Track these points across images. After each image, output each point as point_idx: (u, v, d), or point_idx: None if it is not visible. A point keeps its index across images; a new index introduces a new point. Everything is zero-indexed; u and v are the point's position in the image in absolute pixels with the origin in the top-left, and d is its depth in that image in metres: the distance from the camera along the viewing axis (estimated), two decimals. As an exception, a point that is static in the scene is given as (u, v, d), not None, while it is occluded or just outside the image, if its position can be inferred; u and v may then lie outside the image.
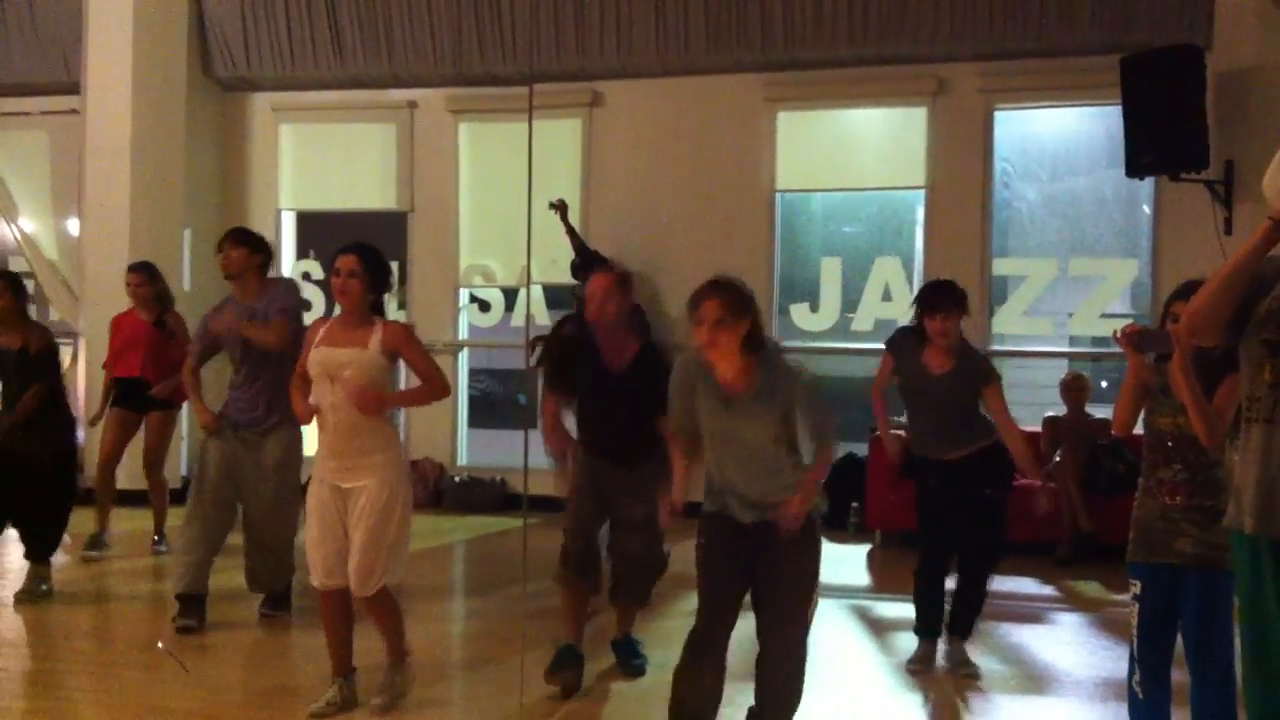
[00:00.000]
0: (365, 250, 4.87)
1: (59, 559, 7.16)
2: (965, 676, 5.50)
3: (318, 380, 4.77)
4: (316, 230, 11.73)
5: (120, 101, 10.40)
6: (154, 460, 8.16)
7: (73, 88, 10.83)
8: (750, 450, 4.08)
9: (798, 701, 4.23)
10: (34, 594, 6.71)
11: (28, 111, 11.68)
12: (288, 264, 11.33)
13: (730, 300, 3.99)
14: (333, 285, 4.83)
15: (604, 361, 5.26)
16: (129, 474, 8.52)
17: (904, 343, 5.66)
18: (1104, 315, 9.48)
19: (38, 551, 6.82)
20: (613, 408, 5.22)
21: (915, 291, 9.71)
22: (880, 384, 5.86)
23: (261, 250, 6.35)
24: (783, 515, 4.04)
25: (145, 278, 8.09)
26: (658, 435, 4.97)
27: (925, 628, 5.69)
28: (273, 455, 6.14)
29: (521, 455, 5.58)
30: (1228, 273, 3.36)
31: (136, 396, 8.02)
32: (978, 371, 5.53)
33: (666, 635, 5.82)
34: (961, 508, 5.49)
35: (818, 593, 4.24)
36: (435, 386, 4.91)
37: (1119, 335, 4.10)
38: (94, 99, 10.49)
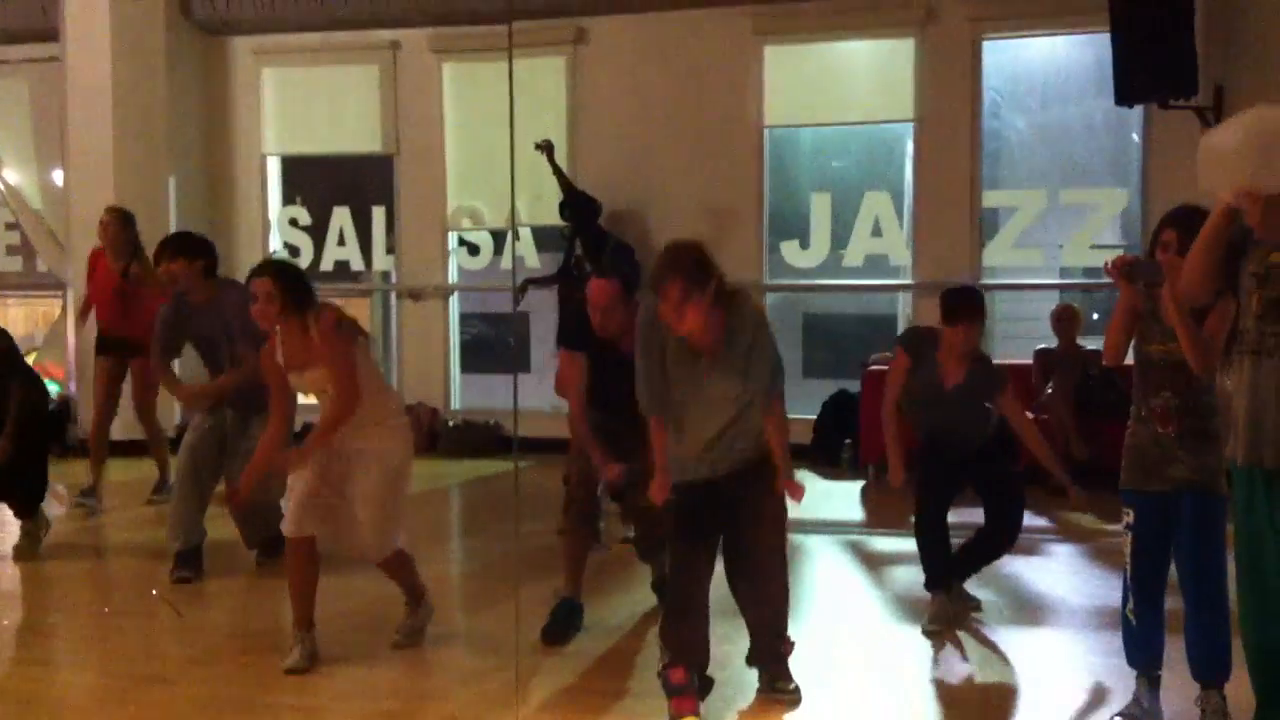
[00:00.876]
0: (281, 272, 4.74)
1: (55, 510, 7.16)
2: (970, 609, 5.47)
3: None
4: (302, 175, 11.66)
5: (100, 47, 10.27)
6: (144, 408, 8.10)
7: (52, 34, 10.68)
8: (723, 401, 4.10)
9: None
10: (29, 548, 6.70)
11: (7, 60, 11.55)
12: (274, 210, 11.27)
13: (690, 276, 3.91)
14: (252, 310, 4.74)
15: (611, 342, 5.16)
16: (125, 423, 8.48)
17: (921, 348, 5.41)
18: (1094, 246, 9.47)
19: (20, 507, 6.78)
20: (620, 383, 5.16)
21: (906, 225, 9.75)
22: (894, 394, 5.46)
23: (201, 254, 6.15)
24: (793, 494, 4.19)
25: (121, 222, 7.99)
26: None
27: (936, 581, 5.45)
28: (259, 429, 6.08)
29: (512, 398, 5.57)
30: (1199, 253, 3.55)
31: (118, 345, 7.97)
32: (990, 379, 5.39)
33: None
34: (982, 488, 5.45)
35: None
36: (341, 402, 4.66)
37: (1109, 266, 4.09)
38: (74, 45, 10.36)
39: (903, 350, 5.47)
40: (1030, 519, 7.52)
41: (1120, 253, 8.32)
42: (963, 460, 5.37)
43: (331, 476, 4.76)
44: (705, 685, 4.22)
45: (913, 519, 5.54)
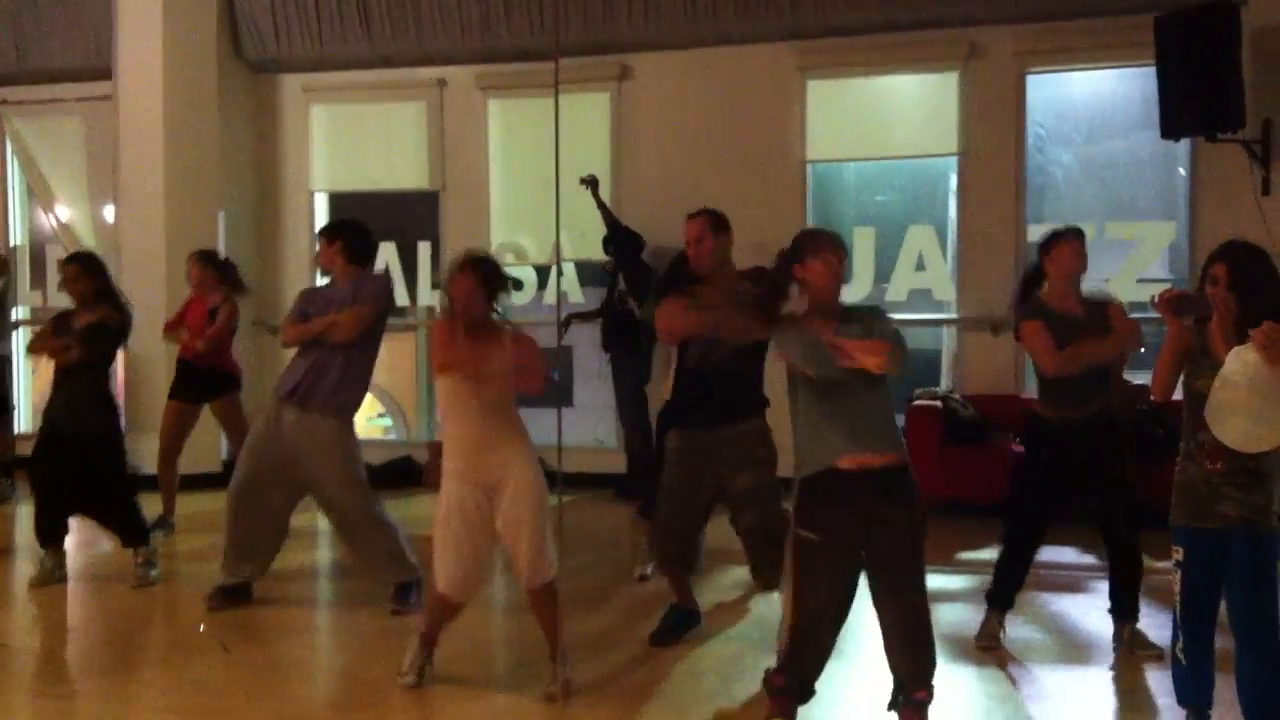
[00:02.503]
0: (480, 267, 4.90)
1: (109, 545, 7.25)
2: (1151, 657, 5.31)
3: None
4: (349, 210, 11.75)
5: (153, 86, 10.45)
6: (237, 437, 8.12)
7: (106, 73, 10.88)
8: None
9: None
10: (144, 579, 6.77)
11: (62, 98, 11.76)
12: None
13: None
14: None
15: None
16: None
17: (1038, 305, 5.46)
18: (1141, 280, 9.38)
19: (130, 537, 6.83)
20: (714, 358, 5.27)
21: (950, 260, 9.69)
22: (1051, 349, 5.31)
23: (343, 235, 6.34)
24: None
25: (203, 263, 8.22)
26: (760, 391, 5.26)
27: (1000, 600, 5.55)
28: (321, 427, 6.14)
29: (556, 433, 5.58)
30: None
31: (197, 387, 8.18)
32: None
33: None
34: (1090, 480, 5.37)
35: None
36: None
37: (1158, 300, 4.07)
38: (127, 84, 10.55)
39: (1035, 318, 5.37)
40: (1077, 557, 7.50)
41: (1168, 286, 8.27)
42: (1079, 442, 5.28)
43: (476, 518, 4.76)
44: (807, 694, 4.22)
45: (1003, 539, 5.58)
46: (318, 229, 6.44)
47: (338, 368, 6.04)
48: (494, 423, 4.71)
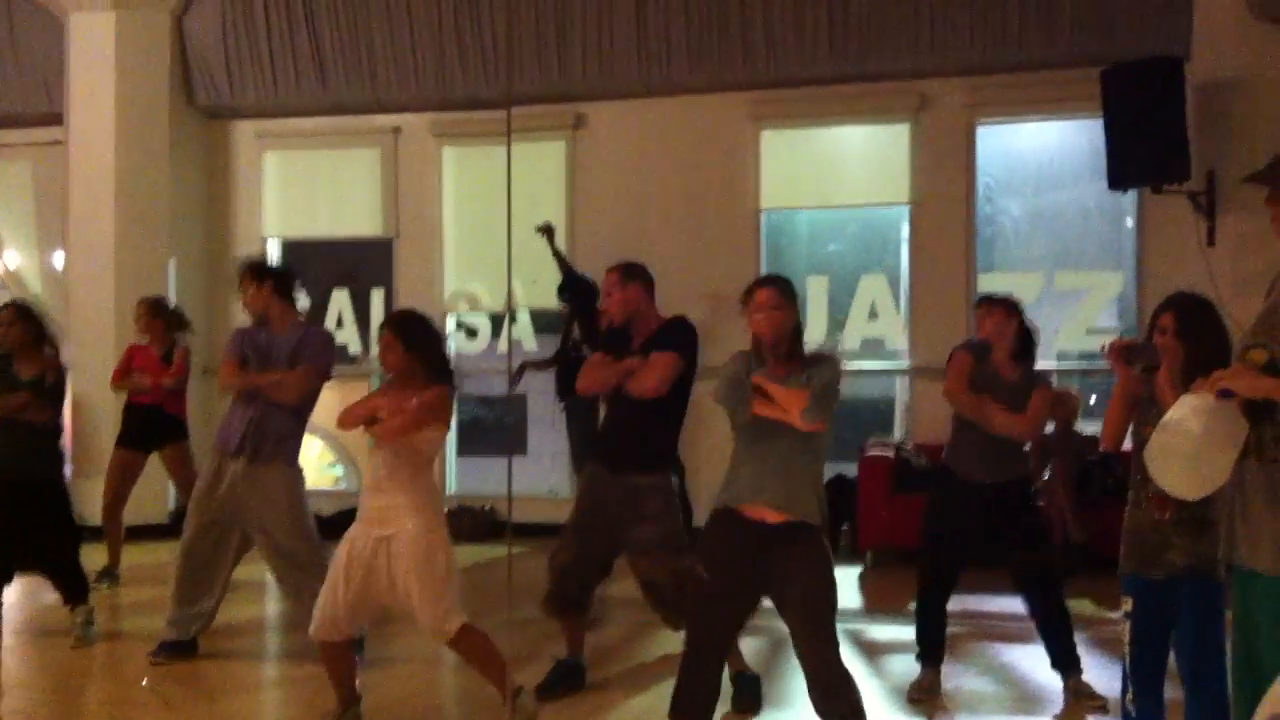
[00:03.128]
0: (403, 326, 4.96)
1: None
2: (1095, 708, 5.28)
3: None
4: (302, 258, 11.70)
5: (104, 132, 10.39)
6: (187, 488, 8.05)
7: (56, 119, 10.80)
8: None
9: None
10: (83, 640, 6.59)
11: (11, 143, 11.66)
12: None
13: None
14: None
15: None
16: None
17: (980, 346, 5.55)
18: (1090, 330, 9.49)
19: (72, 593, 6.67)
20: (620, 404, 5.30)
21: (903, 309, 9.76)
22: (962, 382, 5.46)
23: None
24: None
25: (154, 310, 8.18)
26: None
27: (929, 655, 5.55)
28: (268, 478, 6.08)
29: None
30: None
31: (143, 435, 8.12)
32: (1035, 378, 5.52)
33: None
34: (995, 543, 5.39)
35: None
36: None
37: (1108, 349, 4.12)
38: (77, 129, 10.47)
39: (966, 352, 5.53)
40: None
41: (1118, 335, 8.35)
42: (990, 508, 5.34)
43: (360, 555, 4.74)
44: None
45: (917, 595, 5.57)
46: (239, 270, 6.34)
47: (282, 417, 5.97)
48: (393, 470, 4.72)
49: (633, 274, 5.44)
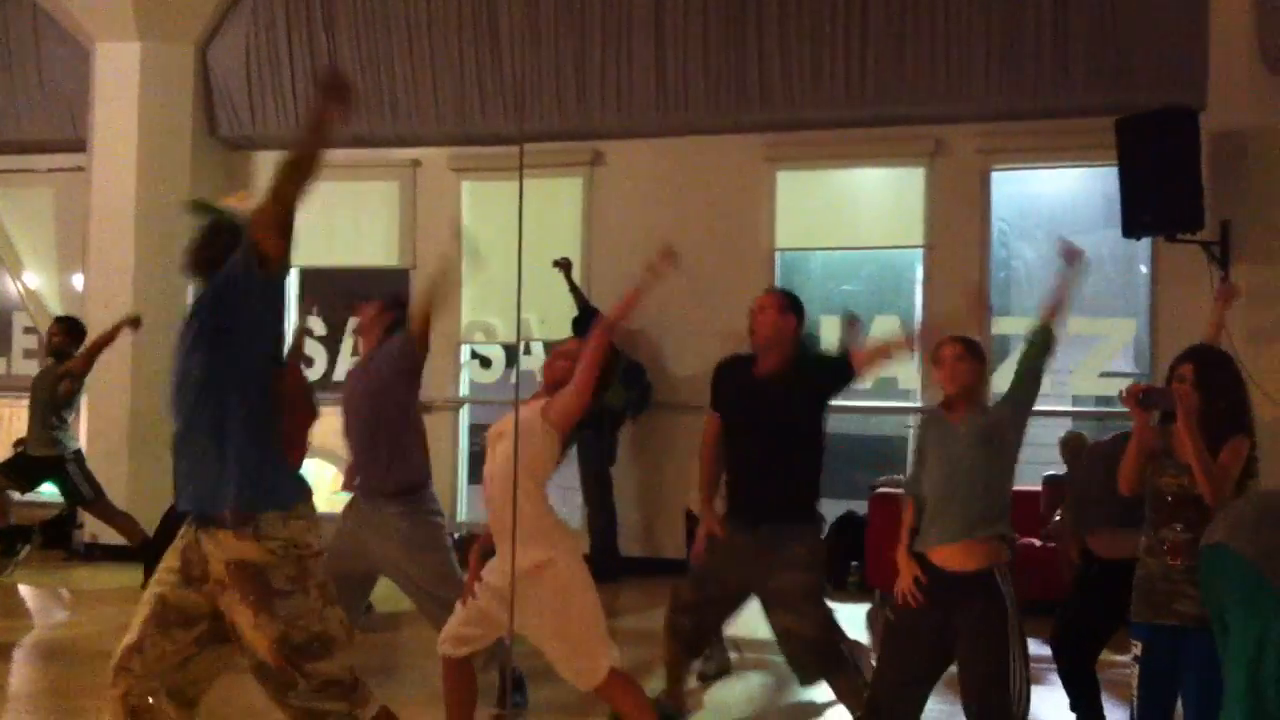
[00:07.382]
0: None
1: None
2: None
3: None
4: (319, 286, 11.78)
5: (126, 159, 10.49)
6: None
7: (80, 145, 10.92)
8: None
9: None
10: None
11: (35, 168, 11.77)
12: (291, 320, 11.37)
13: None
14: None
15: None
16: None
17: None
18: (1104, 374, 9.51)
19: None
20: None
21: (915, 350, 9.80)
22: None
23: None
24: None
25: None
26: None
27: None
28: None
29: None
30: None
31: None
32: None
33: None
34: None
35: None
36: None
37: (1124, 394, 4.15)
38: (100, 157, 10.58)
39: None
40: (1036, 648, 7.47)
41: (1133, 381, 8.37)
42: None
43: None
44: None
45: None
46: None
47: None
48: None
49: (793, 306, 5.54)
